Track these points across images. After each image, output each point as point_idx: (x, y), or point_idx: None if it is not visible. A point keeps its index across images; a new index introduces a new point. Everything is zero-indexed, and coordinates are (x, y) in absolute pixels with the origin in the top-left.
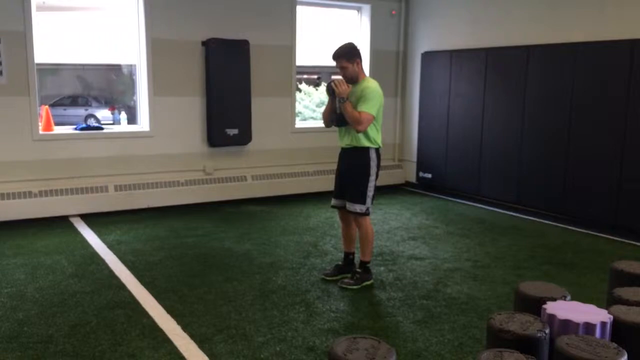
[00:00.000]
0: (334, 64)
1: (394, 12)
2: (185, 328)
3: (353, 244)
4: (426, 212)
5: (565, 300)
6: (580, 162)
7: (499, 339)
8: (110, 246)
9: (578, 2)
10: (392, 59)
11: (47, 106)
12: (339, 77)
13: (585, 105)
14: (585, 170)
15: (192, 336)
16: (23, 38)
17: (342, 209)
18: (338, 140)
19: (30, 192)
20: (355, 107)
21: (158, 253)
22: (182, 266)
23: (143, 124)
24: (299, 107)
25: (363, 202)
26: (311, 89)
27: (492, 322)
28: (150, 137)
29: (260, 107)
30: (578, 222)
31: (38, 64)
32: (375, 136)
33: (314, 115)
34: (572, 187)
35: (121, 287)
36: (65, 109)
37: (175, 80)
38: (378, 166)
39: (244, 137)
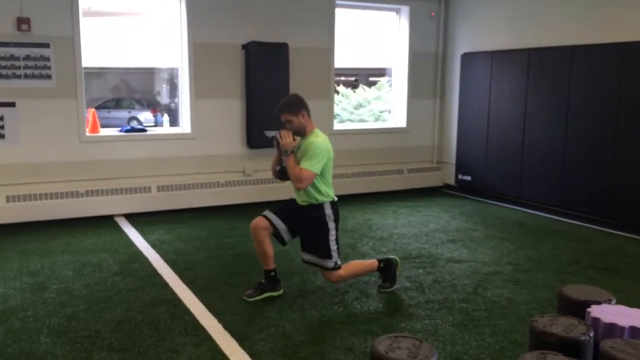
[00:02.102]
0: (371, 65)
1: (432, 14)
2: (225, 326)
3: (271, 260)
4: (465, 215)
5: (610, 304)
6: (626, 165)
7: (542, 341)
8: (153, 245)
9: (624, 0)
10: (431, 60)
11: (93, 109)
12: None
13: (632, 107)
14: (632, 173)
15: (233, 334)
16: (71, 43)
17: (270, 229)
18: (294, 194)
19: (77, 192)
20: (299, 161)
21: (199, 252)
22: (222, 265)
23: (185, 126)
24: (336, 109)
25: (330, 257)
26: (349, 91)
27: (535, 325)
28: (192, 138)
29: None
30: (624, 227)
31: (85, 68)
32: (327, 190)
33: (351, 117)
34: (618, 190)
35: (164, 285)
36: (109, 112)
37: (215, 83)
38: (336, 220)
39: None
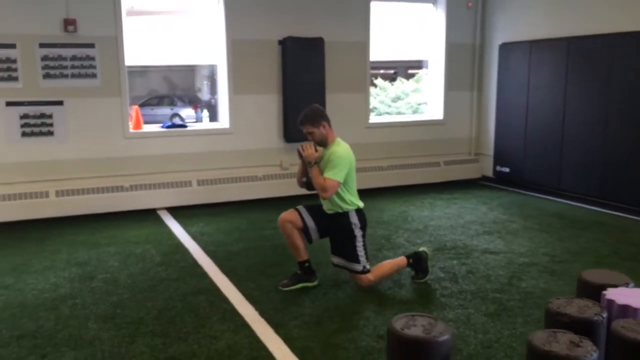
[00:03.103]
0: (409, 58)
1: (470, 4)
2: (262, 314)
3: (302, 252)
4: (503, 207)
5: (627, 287)
6: None
7: (556, 321)
8: (194, 237)
9: None
10: (468, 51)
11: (137, 106)
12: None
13: None
14: None
15: (269, 321)
16: (115, 43)
17: (300, 224)
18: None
19: (122, 187)
20: (322, 172)
21: (238, 244)
22: (260, 256)
23: (223, 121)
24: (374, 103)
25: (358, 262)
26: (387, 84)
27: (550, 306)
28: (230, 133)
29: (334, 103)
30: None
31: (128, 67)
32: (351, 198)
33: (389, 110)
34: None
35: (204, 275)
36: (152, 109)
37: (253, 78)
38: (362, 227)
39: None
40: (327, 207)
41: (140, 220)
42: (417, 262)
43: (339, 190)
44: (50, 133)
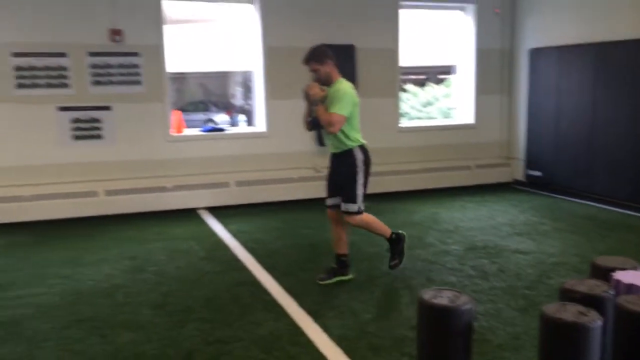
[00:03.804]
0: (437, 64)
1: (497, 10)
2: (301, 305)
3: (344, 245)
4: (534, 209)
5: (635, 270)
6: None
7: (568, 298)
8: (234, 235)
9: None
10: (497, 56)
11: (178, 110)
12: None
13: None
14: None
15: (307, 311)
16: (157, 51)
17: (333, 208)
18: (328, 145)
19: (164, 187)
20: (327, 109)
21: (276, 242)
22: (297, 253)
23: (260, 125)
24: (405, 108)
25: (354, 202)
26: (417, 89)
27: (564, 285)
28: (266, 137)
29: (366, 108)
30: None
31: (169, 73)
32: (355, 135)
33: (420, 115)
34: None
35: (245, 269)
36: (188, 114)
37: (288, 84)
38: (366, 162)
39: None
40: (333, 147)
41: (183, 219)
42: (397, 241)
43: (343, 127)
44: (99, 136)
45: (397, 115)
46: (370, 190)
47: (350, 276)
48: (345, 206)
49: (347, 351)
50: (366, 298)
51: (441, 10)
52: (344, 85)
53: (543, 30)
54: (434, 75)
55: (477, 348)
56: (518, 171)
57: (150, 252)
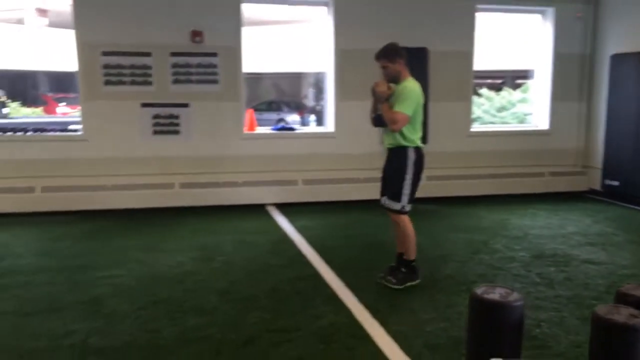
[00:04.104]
0: (514, 67)
1: (578, 15)
2: (360, 300)
3: (413, 250)
4: (609, 220)
5: None
6: None
7: (623, 301)
8: (299, 230)
9: None
10: (576, 62)
11: (251, 109)
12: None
13: None
14: None
15: (367, 307)
16: (234, 52)
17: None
18: (383, 140)
19: (235, 182)
20: (392, 107)
21: (339, 239)
22: (359, 251)
23: (329, 125)
24: (478, 112)
25: (398, 200)
26: (492, 93)
27: (620, 290)
28: (334, 137)
29: (436, 111)
30: None
31: (244, 74)
32: (411, 135)
33: (493, 120)
34: None
35: (307, 263)
36: (261, 114)
37: (357, 86)
38: (418, 165)
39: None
40: (388, 142)
41: (251, 214)
42: (410, 270)
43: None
44: (177, 132)
45: (468, 119)
46: (437, 194)
47: (418, 281)
48: (388, 202)
49: (403, 347)
50: (426, 299)
51: (519, 13)
52: (411, 85)
53: (626, 36)
54: (512, 79)
55: (537, 354)
56: (594, 180)
57: (219, 243)
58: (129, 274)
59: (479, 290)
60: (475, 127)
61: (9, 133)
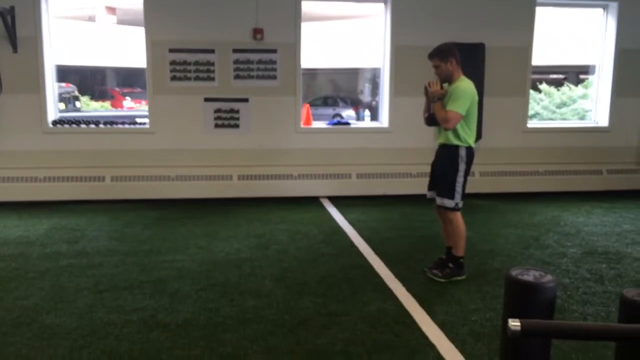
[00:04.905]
0: (573, 63)
1: None
2: (408, 289)
3: (462, 245)
4: None
5: None
6: None
7: None
8: (351, 223)
9: None
10: (639, 57)
11: (307, 104)
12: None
13: None
14: None
15: (414, 296)
16: (293, 48)
17: (434, 202)
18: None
19: (291, 175)
20: (445, 106)
21: (390, 232)
22: (409, 244)
23: (383, 121)
24: (537, 108)
25: (451, 197)
26: (552, 89)
27: None
28: (389, 132)
29: (491, 107)
30: None
31: (302, 69)
32: (465, 135)
33: (553, 116)
34: None
35: (358, 254)
36: (316, 109)
37: (412, 82)
38: (468, 164)
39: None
40: (440, 140)
41: (306, 205)
42: (457, 265)
43: (457, 125)
44: (237, 125)
45: (525, 115)
46: (490, 190)
47: (464, 276)
48: (441, 200)
49: (448, 334)
50: (473, 290)
51: (580, 8)
52: (464, 84)
53: None
54: (575, 75)
55: (582, 346)
56: None
57: (274, 232)
58: (191, 258)
59: (514, 272)
60: (532, 123)
61: (82, 125)
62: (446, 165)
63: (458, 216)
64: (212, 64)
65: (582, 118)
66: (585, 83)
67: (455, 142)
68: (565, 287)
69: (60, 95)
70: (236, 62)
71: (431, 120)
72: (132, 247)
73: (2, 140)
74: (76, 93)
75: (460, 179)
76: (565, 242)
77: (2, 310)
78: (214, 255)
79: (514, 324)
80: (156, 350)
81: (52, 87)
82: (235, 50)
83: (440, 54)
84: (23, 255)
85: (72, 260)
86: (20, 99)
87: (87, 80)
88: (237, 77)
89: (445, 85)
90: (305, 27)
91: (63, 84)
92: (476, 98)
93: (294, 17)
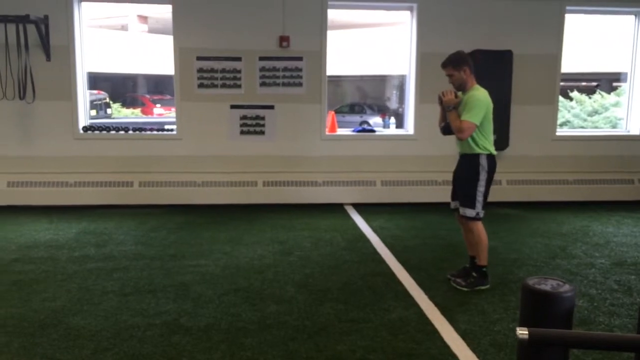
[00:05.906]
0: (603, 70)
1: None
2: (431, 298)
3: (484, 255)
4: None
5: None
6: None
7: None
8: (375, 230)
9: None
10: None
11: (333, 112)
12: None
13: None
14: None
15: (436, 305)
16: (319, 56)
17: (457, 212)
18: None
19: (315, 182)
20: (460, 115)
21: (413, 240)
22: (433, 252)
23: (409, 128)
24: (567, 116)
25: (472, 207)
26: (584, 97)
27: None
28: (414, 140)
29: (519, 114)
30: None
31: (328, 77)
32: (484, 143)
33: (584, 124)
34: None
35: (381, 261)
36: (344, 116)
37: (438, 89)
38: (490, 172)
39: (502, 143)
40: (460, 149)
41: (329, 212)
42: (480, 275)
43: (474, 133)
44: (262, 132)
45: (554, 123)
46: (518, 199)
47: (487, 286)
48: (462, 210)
49: (470, 344)
50: (497, 300)
51: (611, 15)
52: (478, 93)
53: None
54: (609, 82)
55: (606, 358)
56: None
57: (297, 239)
58: (214, 263)
59: (531, 281)
60: (562, 132)
61: (113, 132)
62: (467, 174)
63: (479, 225)
64: (239, 72)
65: (614, 126)
66: (617, 91)
67: (476, 150)
68: (591, 298)
69: (91, 102)
70: (262, 69)
71: (447, 129)
72: (157, 252)
73: (34, 146)
74: (107, 100)
75: (481, 188)
76: (593, 253)
77: (30, 312)
78: (237, 260)
79: (522, 332)
80: (178, 353)
81: (83, 95)
82: (261, 58)
83: (454, 62)
84: (52, 258)
85: (99, 263)
86: (52, 106)
87: (118, 88)
88: (263, 84)
89: (460, 93)
90: (332, 35)
91: (95, 91)
92: (491, 106)
93: (320, 25)
